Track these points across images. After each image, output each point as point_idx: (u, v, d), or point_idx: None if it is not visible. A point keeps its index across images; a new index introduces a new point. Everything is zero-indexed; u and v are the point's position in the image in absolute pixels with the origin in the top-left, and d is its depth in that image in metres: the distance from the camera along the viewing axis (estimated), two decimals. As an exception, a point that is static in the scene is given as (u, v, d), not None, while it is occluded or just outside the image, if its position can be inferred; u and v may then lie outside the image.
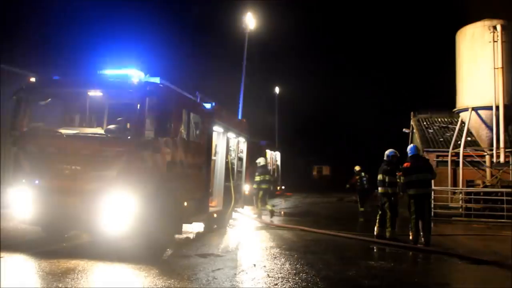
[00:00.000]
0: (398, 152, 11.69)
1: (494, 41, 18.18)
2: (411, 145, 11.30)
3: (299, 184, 40.41)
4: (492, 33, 18.24)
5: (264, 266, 7.81)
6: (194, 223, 10.75)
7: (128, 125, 8.32)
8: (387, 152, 11.62)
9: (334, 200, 27.30)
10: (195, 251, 8.88)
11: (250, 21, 23.30)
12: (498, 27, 18.19)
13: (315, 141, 51.46)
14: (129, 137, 7.83)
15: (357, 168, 19.44)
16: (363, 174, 19.25)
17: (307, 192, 33.43)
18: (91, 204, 7.51)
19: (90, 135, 8.15)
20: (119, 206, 7.47)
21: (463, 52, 19.49)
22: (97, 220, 7.52)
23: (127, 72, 8.34)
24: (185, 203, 9.35)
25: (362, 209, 19.12)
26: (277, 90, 40.47)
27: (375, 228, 11.41)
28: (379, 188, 11.42)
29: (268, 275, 7.20)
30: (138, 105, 7.83)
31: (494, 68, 18.07)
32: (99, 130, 8.37)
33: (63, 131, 8.18)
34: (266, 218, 15.17)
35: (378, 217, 11.44)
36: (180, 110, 9.21)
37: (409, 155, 10.90)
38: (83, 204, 7.55)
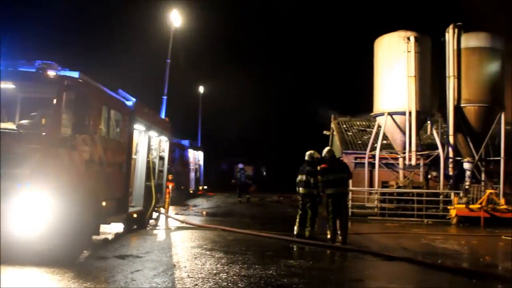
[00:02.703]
0: (318, 153, 12.03)
1: (408, 51, 19.28)
2: (327, 147, 11.72)
3: (222, 184, 40.42)
4: (406, 44, 19.35)
5: (185, 267, 7.74)
6: (113, 224, 10.43)
7: (43, 121, 7.90)
8: (308, 153, 11.91)
9: (256, 200, 27.61)
10: (113, 253, 8.62)
11: (176, 18, 23.01)
12: (412, 39, 19.32)
13: (239, 141, 51.73)
14: (43, 134, 7.45)
15: (240, 165, 25.40)
16: (243, 171, 24.99)
17: (230, 192, 33.46)
18: (1, 205, 7.03)
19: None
20: (32, 207, 7.06)
21: (380, 60, 20.48)
22: (6, 222, 7.06)
23: (43, 65, 7.93)
24: (104, 203, 9.05)
25: (240, 199, 24.00)
26: (201, 89, 40.24)
27: (295, 228, 11.66)
28: (301, 189, 11.66)
29: (188, 275, 7.13)
30: (55, 100, 7.46)
31: (408, 76, 19.17)
32: (11, 125, 7.87)
33: (-31, 125, 7.61)
34: (188, 218, 15.01)
35: (298, 217, 11.70)
36: (100, 106, 8.91)
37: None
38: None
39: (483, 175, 20.23)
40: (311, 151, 11.94)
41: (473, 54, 19.60)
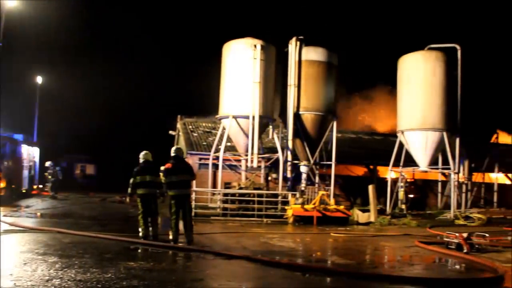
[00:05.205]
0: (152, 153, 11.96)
1: (254, 58, 20.16)
2: (176, 146, 11.70)
3: (61, 183, 37.70)
4: (253, 51, 20.21)
5: (11, 275, 7.05)
6: None
7: None
8: (145, 152, 11.75)
9: (97, 200, 26.38)
10: None
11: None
12: (258, 46, 20.24)
13: (81, 138, 48.69)
14: None
15: (51, 163, 27.09)
16: (57, 168, 27.33)
17: (69, 191, 31.40)
18: None
19: None
20: None
21: (228, 64, 21.05)
22: None
23: None
24: None
25: (53, 192, 25.89)
26: (39, 79, 37.03)
27: (139, 229, 11.41)
28: (144, 189, 11.44)
29: (15, 284, 6.52)
30: None
31: (253, 82, 20.04)
32: None
33: None
34: (19, 220, 13.75)
35: (141, 218, 11.45)
36: None
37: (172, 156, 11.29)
38: None
39: (317, 178, 22.05)
40: (145, 152, 11.82)
41: (311, 66, 21.30)
